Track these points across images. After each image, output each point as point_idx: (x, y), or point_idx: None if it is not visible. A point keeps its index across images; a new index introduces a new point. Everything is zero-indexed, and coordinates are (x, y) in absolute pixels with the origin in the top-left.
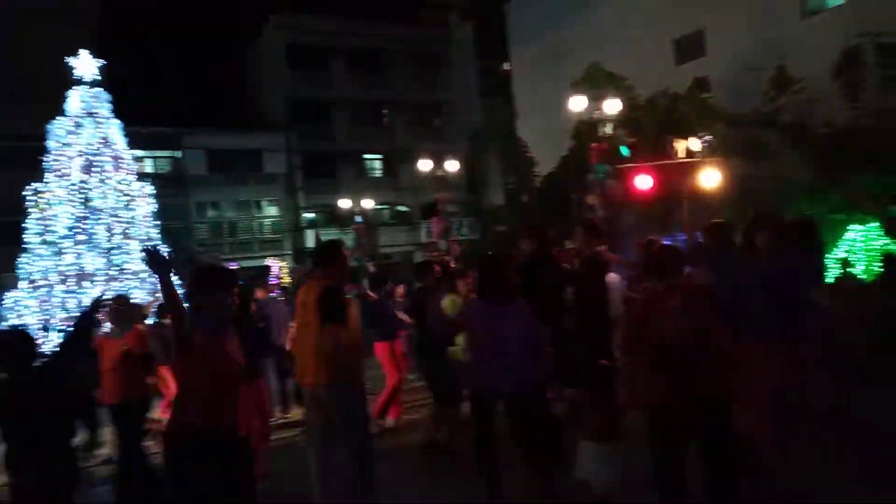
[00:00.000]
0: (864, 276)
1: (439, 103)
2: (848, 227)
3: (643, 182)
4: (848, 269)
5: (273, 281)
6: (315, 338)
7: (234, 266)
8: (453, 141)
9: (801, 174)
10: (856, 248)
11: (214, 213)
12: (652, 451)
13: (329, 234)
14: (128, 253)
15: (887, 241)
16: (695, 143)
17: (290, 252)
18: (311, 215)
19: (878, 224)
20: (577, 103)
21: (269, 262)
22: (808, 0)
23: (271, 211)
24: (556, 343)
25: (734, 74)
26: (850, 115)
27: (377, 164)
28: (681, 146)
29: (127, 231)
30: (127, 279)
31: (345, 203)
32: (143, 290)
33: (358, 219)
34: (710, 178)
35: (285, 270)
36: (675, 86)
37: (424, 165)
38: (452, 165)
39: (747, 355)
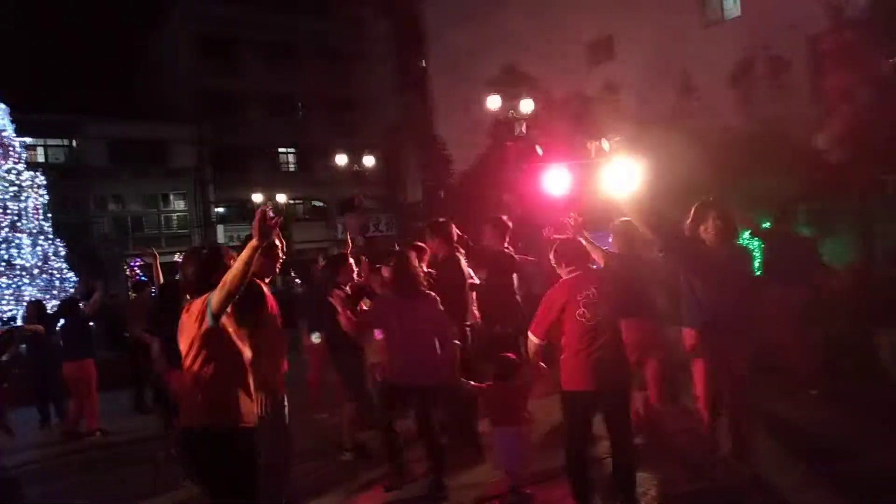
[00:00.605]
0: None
1: (355, 98)
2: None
3: (557, 181)
4: None
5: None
6: None
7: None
8: (370, 136)
9: (703, 175)
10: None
11: (117, 207)
12: (566, 432)
13: (240, 230)
14: (18, 247)
15: None
16: (605, 144)
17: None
18: (221, 210)
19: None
20: (493, 102)
21: (177, 257)
22: (707, 12)
23: (179, 205)
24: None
25: (641, 79)
26: (743, 121)
27: (291, 158)
28: (592, 146)
29: (16, 224)
30: (17, 274)
31: (257, 197)
32: (33, 286)
33: (270, 213)
34: (618, 178)
35: None
36: (587, 88)
37: (340, 160)
38: (369, 161)
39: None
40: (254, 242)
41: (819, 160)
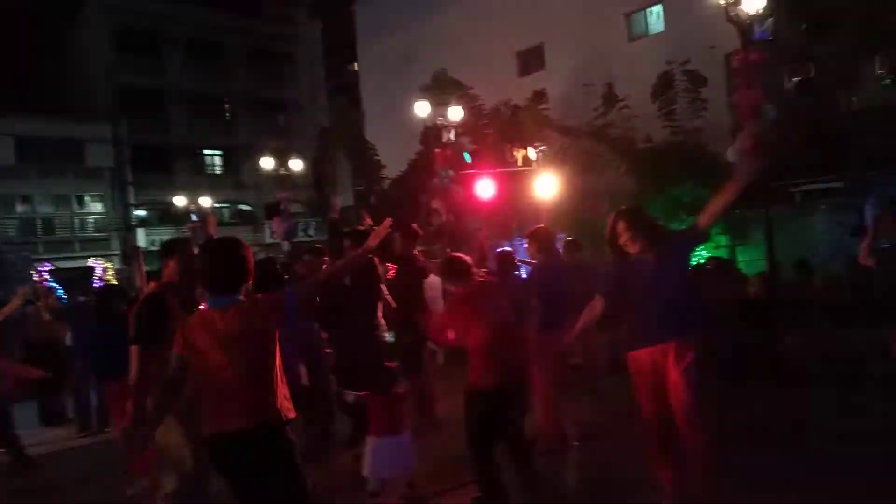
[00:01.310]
0: None
1: (285, 100)
2: None
3: (485, 188)
4: None
5: (97, 284)
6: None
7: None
8: (299, 139)
9: (627, 185)
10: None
11: (25, 208)
12: (469, 435)
13: (162, 234)
14: None
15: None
16: (532, 153)
17: (118, 252)
18: (142, 213)
19: None
20: (421, 109)
21: (91, 262)
22: (633, 25)
23: (96, 207)
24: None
25: (569, 89)
26: (666, 132)
27: (217, 160)
28: (520, 154)
29: None
30: None
31: (180, 200)
32: None
33: (193, 217)
34: (545, 186)
35: (111, 272)
36: (518, 96)
37: (268, 163)
38: (297, 164)
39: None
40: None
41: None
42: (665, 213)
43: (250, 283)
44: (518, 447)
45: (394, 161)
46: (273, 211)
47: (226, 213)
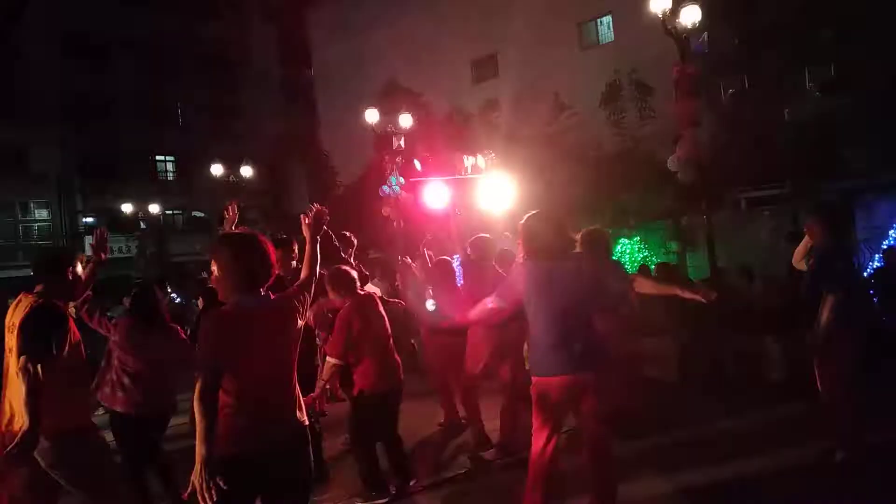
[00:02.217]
0: None
1: (239, 106)
2: (618, 241)
3: (435, 196)
4: None
5: None
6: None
7: None
8: (254, 146)
9: (576, 192)
10: (622, 260)
11: None
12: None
13: (113, 241)
14: None
15: (647, 254)
16: (481, 160)
17: None
18: (91, 220)
19: (638, 238)
20: (371, 116)
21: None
22: (584, 35)
23: (42, 214)
24: None
25: (521, 97)
26: (615, 140)
27: (170, 167)
28: (469, 162)
29: None
30: None
31: (129, 207)
32: None
33: (143, 225)
34: (493, 193)
35: None
36: (472, 104)
37: (217, 170)
38: (252, 171)
39: None
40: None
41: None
42: (612, 220)
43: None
44: (395, 443)
45: (350, 168)
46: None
47: (179, 219)
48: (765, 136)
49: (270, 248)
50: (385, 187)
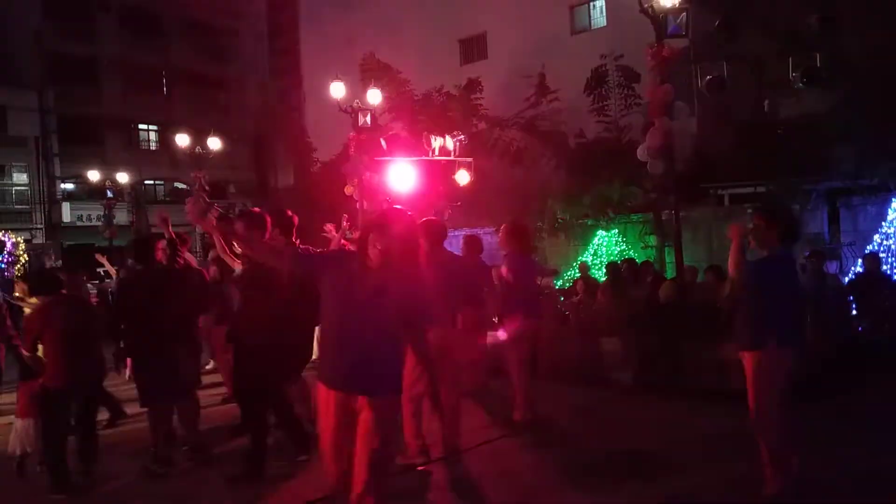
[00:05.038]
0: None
1: (225, 77)
2: (595, 233)
3: (400, 176)
4: (587, 273)
5: (6, 259)
6: None
7: None
8: (240, 118)
9: (556, 179)
10: (599, 253)
11: None
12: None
13: (89, 209)
14: None
15: (625, 247)
16: (450, 142)
17: (40, 226)
18: (69, 186)
19: (617, 231)
20: (337, 90)
21: (1, 236)
22: (576, 18)
23: (21, 178)
24: None
25: (509, 79)
26: (598, 127)
27: (153, 136)
28: (437, 143)
29: None
30: None
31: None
32: None
33: (109, 193)
34: (461, 177)
35: (22, 247)
36: (457, 84)
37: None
38: (214, 143)
39: None
40: None
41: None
42: (593, 209)
43: None
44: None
45: (330, 145)
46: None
47: (160, 190)
48: (745, 127)
49: None
50: (349, 167)
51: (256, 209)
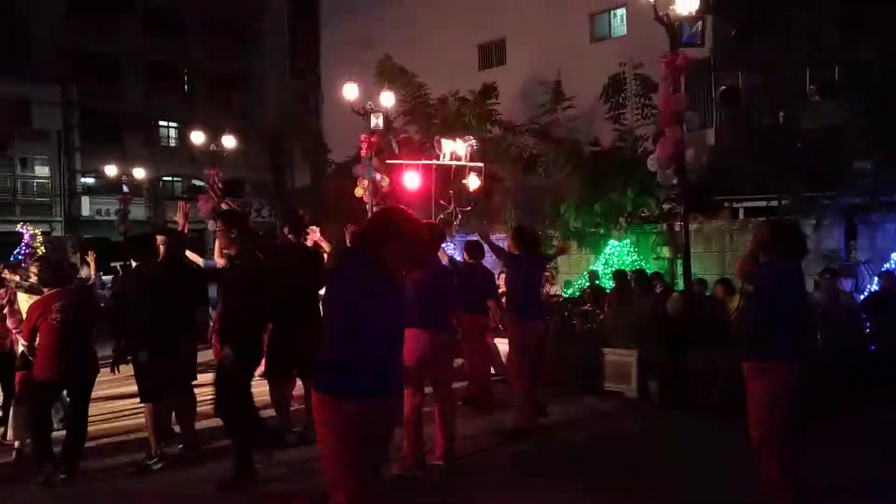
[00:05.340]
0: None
1: (246, 76)
2: (607, 242)
3: (409, 180)
4: (595, 282)
5: (24, 250)
6: None
7: None
8: (259, 117)
9: (570, 187)
10: (611, 262)
11: None
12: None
13: (109, 203)
14: None
15: (636, 257)
16: (461, 147)
17: (60, 219)
18: (90, 180)
19: (629, 241)
20: (349, 91)
21: (20, 227)
22: (596, 26)
23: (43, 171)
24: None
25: (527, 86)
26: (613, 135)
27: (172, 133)
28: (447, 147)
29: None
30: None
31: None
32: None
33: (125, 188)
34: (472, 182)
35: (40, 239)
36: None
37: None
38: (229, 141)
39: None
40: None
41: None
42: (604, 218)
43: None
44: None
45: (348, 147)
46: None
47: (178, 186)
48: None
49: None
50: (360, 168)
51: (301, 211)
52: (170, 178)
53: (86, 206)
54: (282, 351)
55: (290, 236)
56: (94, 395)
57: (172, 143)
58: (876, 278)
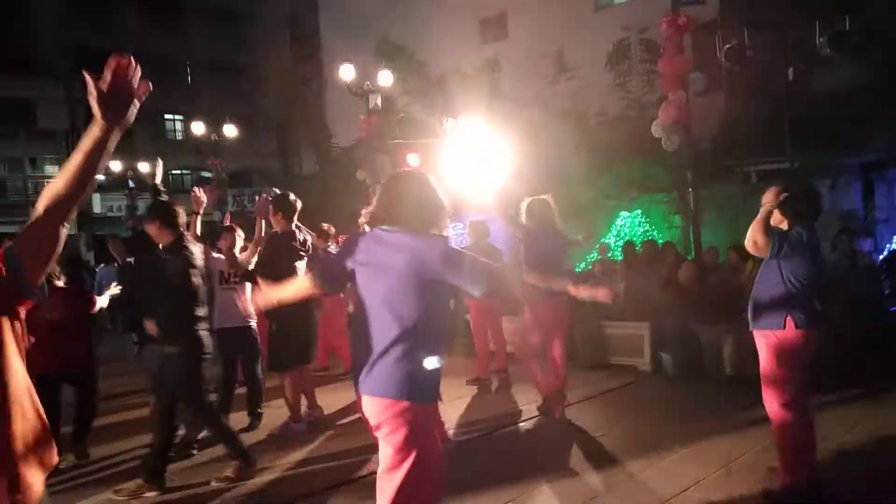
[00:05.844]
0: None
1: (248, 65)
2: (618, 214)
3: (412, 160)
4: (607, 255)
5: None
6: None
7: None
8: (264, 106)
9: (577, 159)
10: (622, 234)
11: None
12: None
13: (119, 200)
14: None
15: (647, 228)
16: (460, 123)
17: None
18: (100, 177)
19: (640, 211)
20: (346, 72)
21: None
22: None
23: (52, 170)
24: None
25: (530, 59)
26: (620, 104)
27: (178, 126)
28: (449, 124)
29: None
30: None
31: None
32: None
33: (130, 183)
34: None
35: None
36: (475, 64)
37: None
38: (230, 130)
39: None
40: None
41: (693, 149)
42: (615, 189)
43: None
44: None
45: (352, 130)
46: (238, 179)
47: (187, 179)
48: (774, 100)
49: None
50: (361, 149)
51: (291, 195)
52: (178, 172)
53: (97, 203)
54: (280, 349)
55: (282, 221)
56: None
57: (179, 135)
58: (895, 237)
